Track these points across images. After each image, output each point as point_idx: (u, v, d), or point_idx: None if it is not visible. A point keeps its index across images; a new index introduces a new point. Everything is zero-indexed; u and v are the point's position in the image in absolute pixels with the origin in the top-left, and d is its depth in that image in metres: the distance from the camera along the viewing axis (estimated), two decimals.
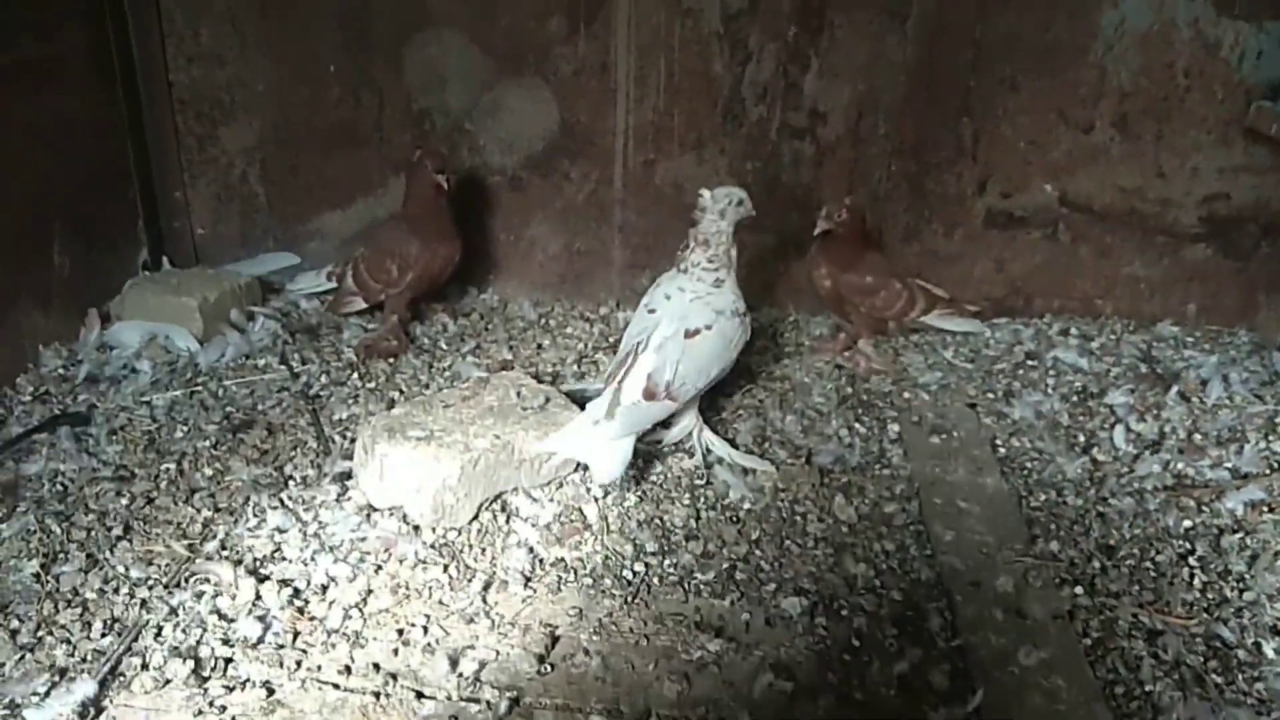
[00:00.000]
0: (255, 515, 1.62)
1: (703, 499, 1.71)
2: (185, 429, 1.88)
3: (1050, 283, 2.37)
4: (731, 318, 1.78)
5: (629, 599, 1.46)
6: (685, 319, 1.74)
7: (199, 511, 1.64)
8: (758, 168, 2.32)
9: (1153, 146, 2.20)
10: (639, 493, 1.72)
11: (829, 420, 1.95)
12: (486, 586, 1.48)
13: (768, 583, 1.50)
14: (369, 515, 1.62)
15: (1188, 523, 1.65)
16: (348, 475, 1.71)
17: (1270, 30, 2.07)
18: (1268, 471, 1.78)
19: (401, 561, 1.52)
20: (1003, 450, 1.89)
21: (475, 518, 1.63)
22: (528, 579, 1.50)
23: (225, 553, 1.53)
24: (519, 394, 1.79)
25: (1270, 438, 1.89)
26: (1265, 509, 1.68)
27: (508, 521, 1.63)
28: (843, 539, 1.61)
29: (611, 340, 2.27)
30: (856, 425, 1.95)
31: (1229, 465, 1.80)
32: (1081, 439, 1.91)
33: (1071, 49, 2.13)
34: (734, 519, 1.66)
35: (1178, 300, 2.34)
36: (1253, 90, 2.11)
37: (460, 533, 1.60)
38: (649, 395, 1.67)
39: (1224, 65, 2.11)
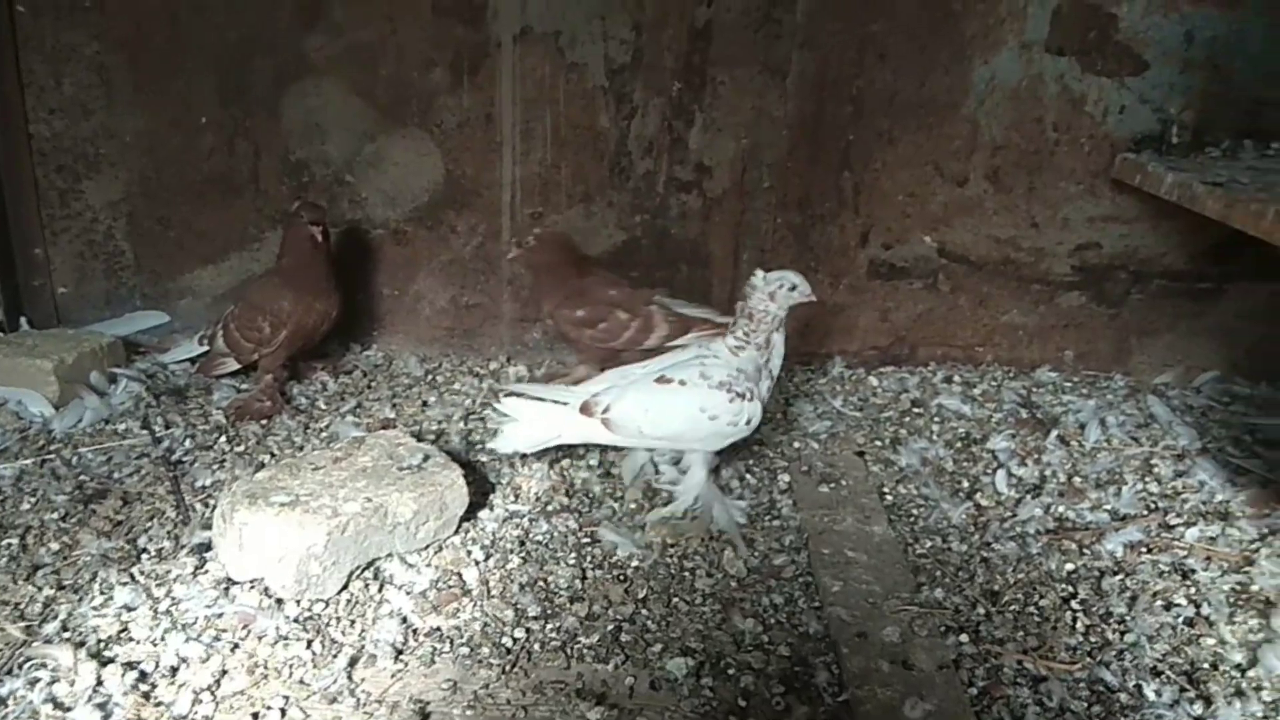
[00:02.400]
0: (102, 592, 1.49)
1: (589, 558, 1.65)
2: (33, 500, 1.74)
3: (933, 331, 2.41)
4: (716, 388, 1.68)
5: (507, 668, 1.39)
6: (668, 368, 1.72)
7: (40, 590, 1.50)
8: (646, 220, 2.32)
9: (1025, 198, 2.27)
10: (522, 554, 1.65)
11: (719, 471, 1.93)
12: (353, 662, 1.38)
13: (654, 643, 1.45)
14: (227, 589, 1.51)
15: (1070, 566, 1.66)
16: (207, 546, 1.60)
17: (1131, 86, 2.17)
18: (1145, 512, 1.82)
19: (260, 638, 1.41)
20: (890, 498, 1.89)
21: (344, 587, 1.53)
22: (399, 651, 1.41)
23: (66, 634, 1.40)
24: (395, 454, 1.71)
25: (1146, 479, 1.94)
26: (1144, 550, 1.71)
27: (380, 590, 1.54)
28: (731, 594, 1.57)
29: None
30: (748, 476, 1.93)
31: (1108, 507, 1.83)
32: (965, 484, 1.93)
33: (945, 104, 2.20)
34: (621, 577, 1.60)
35: (1055, 347, 2.41)
36: (1117, 143, 2.21)
37: (327, 604, 1.50)
38: (585, 410, 1.69)
39: (1090, 119, 2.20)
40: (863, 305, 2.41)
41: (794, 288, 1.75)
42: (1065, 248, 2.31)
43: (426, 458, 1.70)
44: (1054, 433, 2.09)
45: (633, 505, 1.81)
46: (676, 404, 1.69)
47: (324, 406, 2.17)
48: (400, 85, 2.21)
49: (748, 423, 1.71)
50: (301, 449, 1.96)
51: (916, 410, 2.24)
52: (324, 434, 2.04)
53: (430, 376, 2.34)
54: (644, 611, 1.52)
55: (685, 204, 2.31)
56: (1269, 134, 2.14)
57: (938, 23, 2.12)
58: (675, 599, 1.55)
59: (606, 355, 2.08)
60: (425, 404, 2.19)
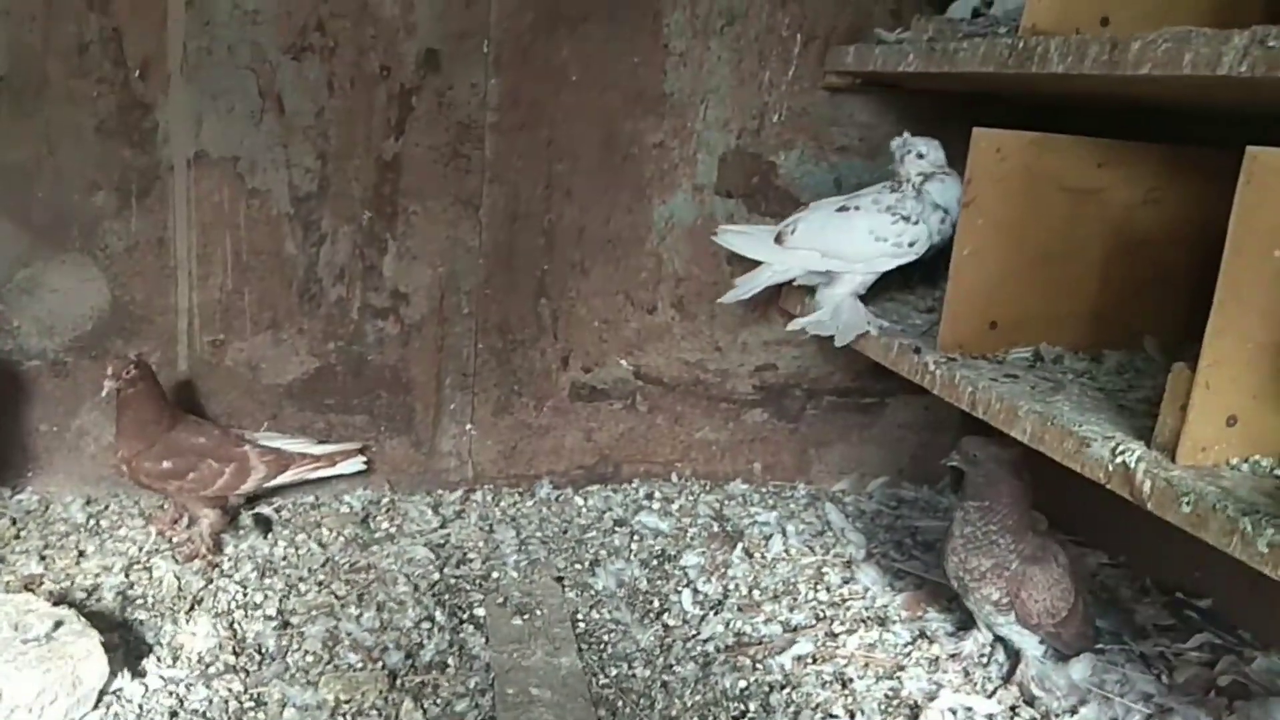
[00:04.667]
0: None
1: None
2: None
3: (634, 449, 2.50)
4: (883, 211, 1.97)
5: None
6: (847, 199, 2.05)
7: None
8: (341, 347, 2.26)
9: (708, 325, 2.43)
10: None
11: (407, 612, 1.86)
12: None
13: None
14: None
15: (743, 683, 1.74)
16: None
17: None
18: (814, 622, 1.95)
19: None
20: (583, 625, 1.90)
21: None
22: None
23: None
24: (21, 623, 1.51)
25: (818, 588, 2.08)
26: (810, 661, 1.82)
27: None
28: None
29: (169, 539, 2.04)
30: (437, 614, 1.87)
31: (781, 619, 1.94)
32: (656, 604, 1.98)
33: (631, 239, 2.33)
34: None
35: (745, 460, 2.56)
36: None
37: None
38: (778, 239, 2.07)
39: None
40: (568, 426, 2.46)
41: (921, 156, 2.00)
42: (746, 369, 2.49)
43: (59, 624, 1.52)
44: (740, 545, 2.21)
45: (310, 659, 1.71)
46: (849, 227, 1.99)
47: None
48: (59, 208, 2.05)
49: (910, 244, 1.97)
50: None
51: (619, 529, 2.29)
52: None
53: (93, 521, 2.12)
54: None
55: (382, 330, 2.28)
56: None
57: (617, 166, 2.26)
58: None
59: (210, 501, 2.02)
60: (82, 554, 1.97)
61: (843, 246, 2.01)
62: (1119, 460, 1.30)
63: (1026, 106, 2.00)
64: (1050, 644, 1.71)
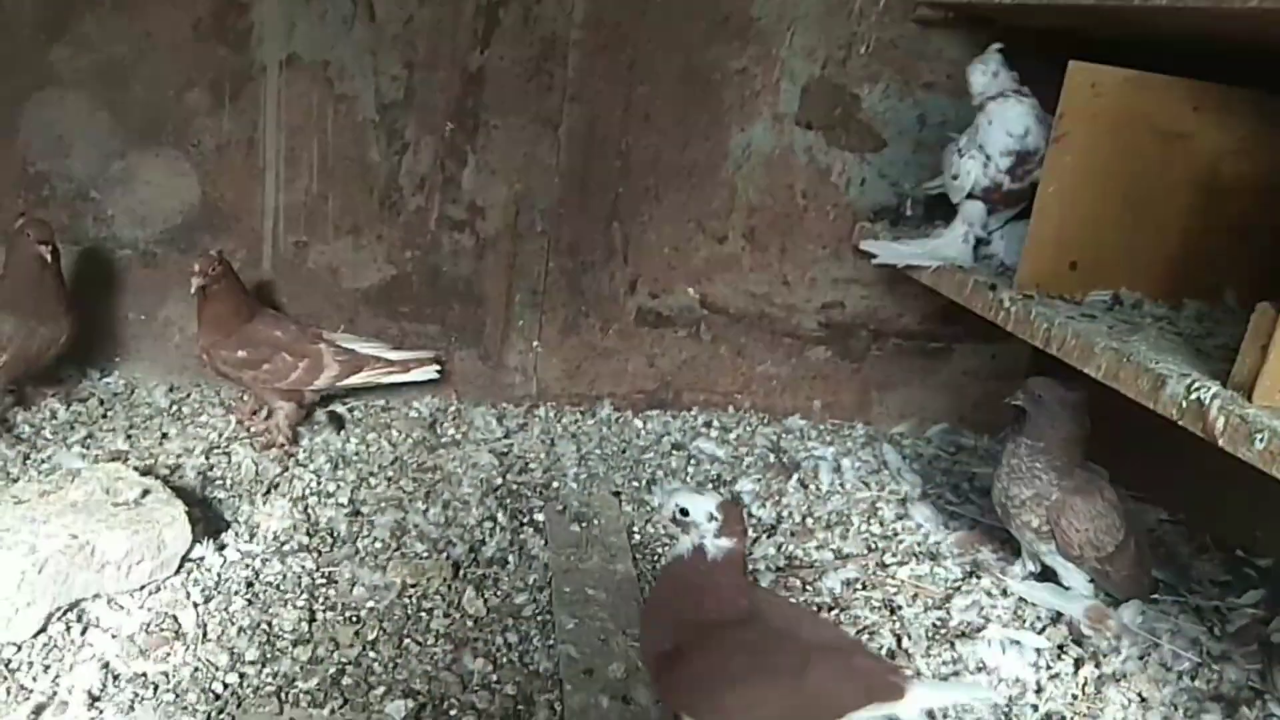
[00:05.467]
0: None
1: (321, 599, 1.61)
2: None
3: (695, 378, 2.52)
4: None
5: (213, 715, 1.32)
6: None
7: None
8: (417, 256, 2.31)
9: (778, 258, 2.43)
10: (248, 596, 1.58)
11: (470, 511, 1.93)
12: (39, 710, 1.28)
13: (377, 686, 1.42)
14: None
15: (793, 601, 1.77)
16: None
17: (871, 161, 2.38)
18: (865, 552, 1.97)
19: None
20: (638, 536, 1.95)
21: (43, 629, 1.42)
22: (95, 699, 1.32)
23: None
24: (112, 488, 1.60)
25: (871, 521, 2.10)
26: (860, 586, 1.85)
27: (83, 634, 1.44)
28: (466, 634, 1.57)
29: (248, 428, 2.13)
30: (499, 515, 1.93)
31: (833, 547, 1.97)
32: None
33: (706, 167, 2.33)
34: (353, 619, 1.57)
35: (804, 396, 2.57)
36: (859, 212, 2.41)
37: (20, 648, 1.39)
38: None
39: (835, 189, 2.39)
40: (631, 350, 2.49)
41: (986, 73, 1.92)
42: (813, 305, 2.48)
43: (146, 492, 1.61)
44: (795, 476, 2.23)
45: (379, 545, 1.78)
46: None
47: (50, 436, 2.01)
48: (154, 104, 2.11)
49: (954, 178, 1.97)
50: (17, 480, 1.81)
51: (676, 452, 2.33)
52: (45, 465, 1.89)
53: (175, 407, 2.22)
54: (371, 654, 1.49)
55: (458, 242, 2.32)
56: None
57: (698, 92, 2.25)
58: (407, 640, 1.53)
59: (284, 394, 2.09)
60: (165, 436, 2.07)
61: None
62: (1194, 397, 1.29)
63: (1123, 48, 1.95)
64: (1100, 583, 1.72)
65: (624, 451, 2.31)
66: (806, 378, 2.57)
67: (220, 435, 2.11)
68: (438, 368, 2.26)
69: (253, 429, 2.13)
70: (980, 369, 2.62)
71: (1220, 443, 1.24)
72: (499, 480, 2.07)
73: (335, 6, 2.10)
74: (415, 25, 2.13)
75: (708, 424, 2.49)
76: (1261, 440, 1.18)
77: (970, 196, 1.96)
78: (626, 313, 2.45)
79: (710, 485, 2.18)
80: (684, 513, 1.26)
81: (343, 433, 2.19)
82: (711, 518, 1.25)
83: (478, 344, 2.40)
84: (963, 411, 2.64)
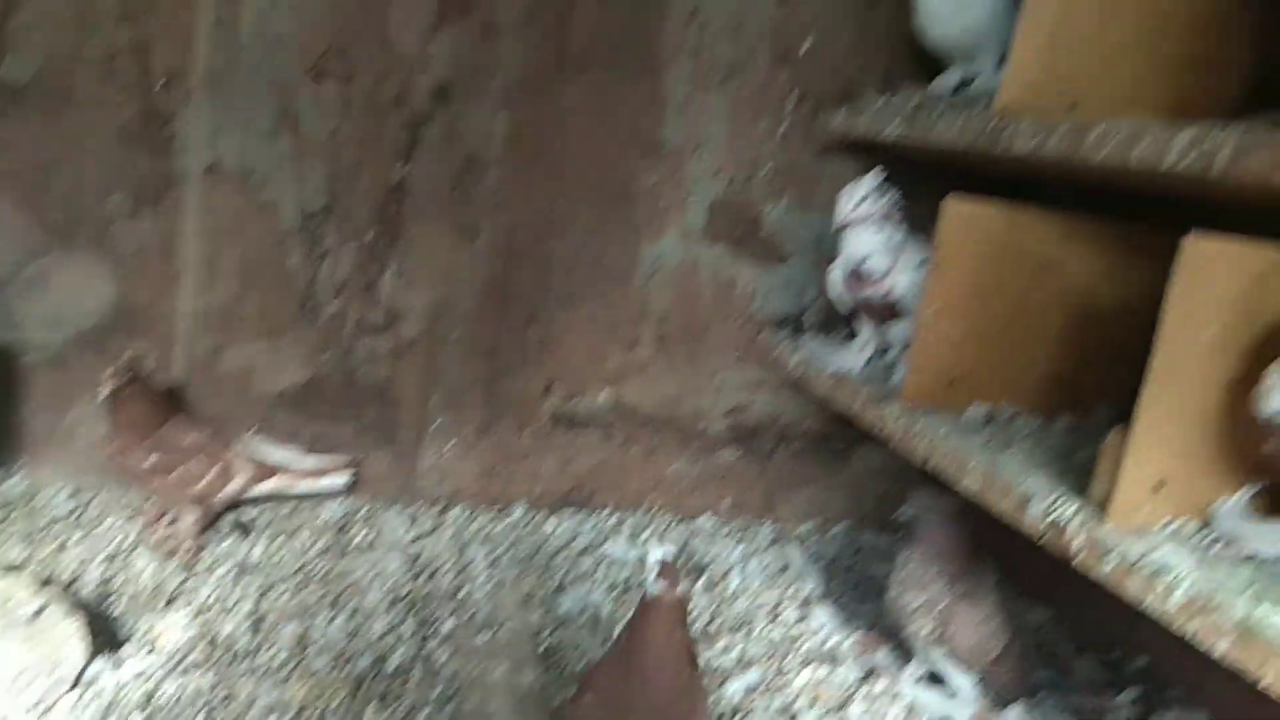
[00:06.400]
0: None
1: (219, 718, 1.59)
2: None
3: (608, 479, 2.58)
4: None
5: None
6: None
7: None
8: (334, 360, 2.34)
9: (686, 364, 2.53)
10: (144, 714, 1.56)
11: (377, 620, 1.93)
12: None
13: None
14: None
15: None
16: None
17: (774, 273, 2.51)
18: (767, 656, 2.03)
19: None
20: (545, 645, 1.97)
21: None
22: None
23: None
24: (5, 604, 1.58)
25: (774, 623, 2.16)
26: (761, 690, 1.90)
27: None
28: None
29: (152, 535, 2.10)
30: (406, 625, 1.94)
31: (736, 652, 2.02)
32: (617, 631, 2.05)
33: (620, 276, 2.43)
34: None
35: (714, 496, 2.65)
36: (761, 322, 2.53)
37: None
38: None
39: (740, 299, 2.51)
40: (546, 452, 2.54)
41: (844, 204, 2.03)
42: (720, 409, 2.58)
43: (43, 607, 1.58)
44: (703, 578, 2.28)
45: (280, 658, 1.77)
46: None
47: None
48: (75, 208, 2.14)
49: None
50: None
51: (587, 555, 2.36)
52: None
53: (78, 513, 2.18)
54: None
55: (375, 346, 2.36)
56: None
57: (613, 206, 2.37)
58: None
59: (194, 499, 2.09)
60: (64, 544, 2.04)
61: None
62: (1051, 518, 1.39)
63: (1002, 176, 2.13)
64: (987, 687, 1.80)
65: (535, 554, 2.34)
66: (715, 478, 2.64)
67: (123, 543, 2.08)
68: (351, 473, 2.27)
69: (156, 536, 2.11)
70: (880, 469, 2.73)
71: (1075, 562, 1.34)
72: (407, 587, 2.08)
73: (260, 118, 2.16)
74: (340, 138, 2.21)
75: (619, 524, 2.54)
76: (1111, 562, 1.28)
77: (861, 308, 2.10)
78: (541, 415, 2.51)
79: (620, 588, 2.22)
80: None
81: (249, 539, 2.18)
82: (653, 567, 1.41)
83: (391, 446, 2.42)
84: (864, 511, 2.74)
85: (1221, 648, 1.14)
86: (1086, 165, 1.54)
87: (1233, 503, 1.39)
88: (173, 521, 2.12)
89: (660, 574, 1.40)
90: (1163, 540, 1.33)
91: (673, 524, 2.59)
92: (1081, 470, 1.57)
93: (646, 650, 1.39)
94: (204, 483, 2.07)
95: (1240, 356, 1.35)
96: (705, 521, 2.62)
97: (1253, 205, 1.56)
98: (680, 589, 1.40)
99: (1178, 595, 1.18)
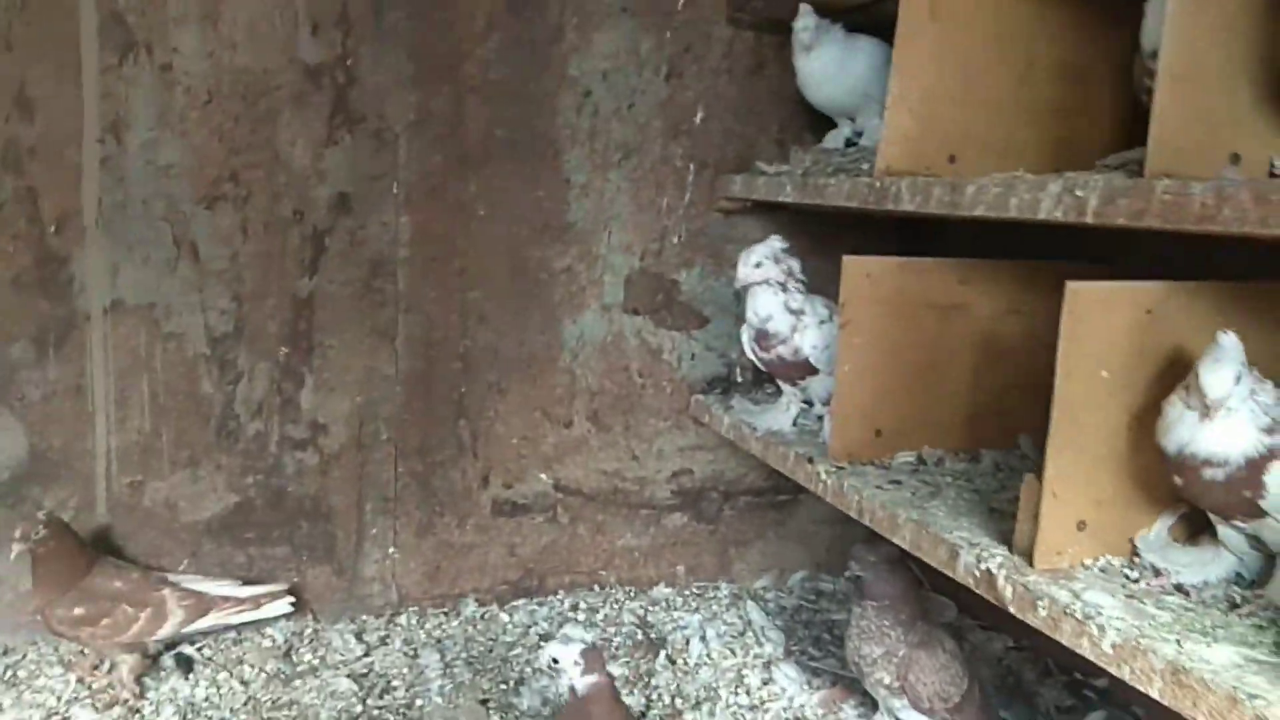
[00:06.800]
0: None
1: None
2: None
3: (558, 561, 2.55)
4: None
5: None
6: None
7: None
8: (259, 480, 2.29)
9: (623, 435, 2.53)
10: None
11: None
12: None
13: None
14: None
15: None
16: None
17: (697, 337, 2.53)
18: None
19: None
20: None
21: None
22: None
23: None
24: None
25: (738, 691, 2.14)
26: None
27: None
28: None
29: (89, 686, 2.03)
30: None
31: None
32: None
33: (545, 358, 2.43)
34: None
35: (667, 564, 2.64)
36: (693, 385, 2.54)
37: None
38: None
39: (668, 366, 2.53)
40: (491, 542, 2.51)
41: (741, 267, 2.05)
42: (663, 475, 2.58)
43: None
44: (664, 652, 2.26)
45: None
46: None
47: None
48: None
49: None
50: None
51: (544, 644, 2.32)
52: None
53: (9, 672, 2.09)
54: None
55: (301, 461, 2.32)
56: None
57: (528, 290, 2.38)
58: None
59: (128, 646, 2.02)
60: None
61: None
62: (984, 567, 1.41)
63: (900, 226, 2.18)
64: None
65: (491, 651, 2.29)
66: (667, 545, 2.63)
67: (59, 699, 2.00)
68: (291, 600, 2.21)
69: (94, 686, 2.03)
70: (828, 515, 2.72)
71: (1011, 610, 1.36)
72: (359, 708, 2.02)
73: (157, 251, 2.14)
74: (241, 260, 2.19)
75: (574, 606, 2.51)
76: (1043, 608, 1.30)
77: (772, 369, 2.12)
78: (481, 506, 2.48)
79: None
80: (555, 661, 1.51)
81: (191, 675, 2.11)
82: (576, 663, 1.49)
83: (331, 560, 2.37)
84: (818, 558, 2.75)
85: (1156, 688, 1.15)
86: (968, 219, 1.58)
87: (1154, 533, 1.42)
88: (110, 669, 2.05)
89: (585, 668, 1.45)
90: (1091, 580, 1.35)
91: (628, 598, 2.56)
92: (1008, 512, 1.59)
93: None
94: (136, 627, 2.01)
95: (1142, 390, 1.39)
96: (661, 591, 2.60)
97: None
98: (605, 673, 1.49)
99: (1109, 640, 1.20)
